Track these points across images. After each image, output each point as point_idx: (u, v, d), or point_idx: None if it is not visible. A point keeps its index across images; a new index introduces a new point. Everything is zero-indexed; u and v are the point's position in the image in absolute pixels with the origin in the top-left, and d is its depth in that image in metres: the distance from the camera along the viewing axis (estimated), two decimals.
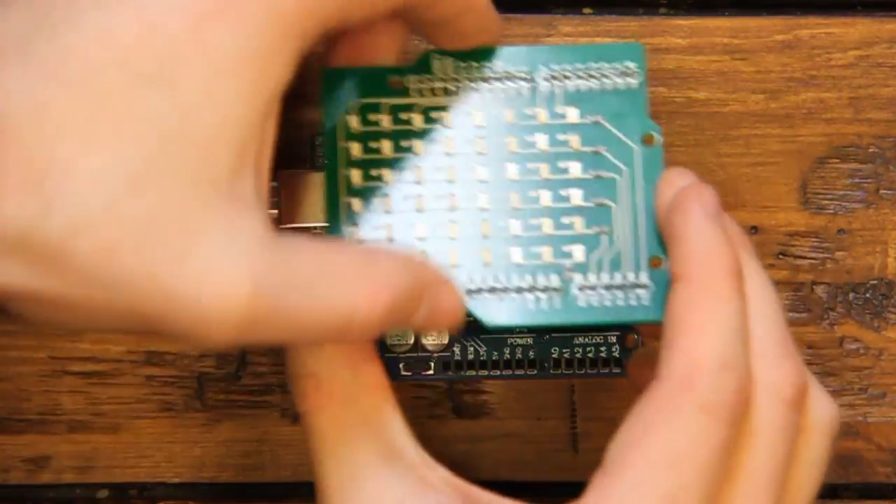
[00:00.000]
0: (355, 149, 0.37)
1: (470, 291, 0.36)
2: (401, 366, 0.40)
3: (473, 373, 0.40)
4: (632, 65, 0.36)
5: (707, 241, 0.33)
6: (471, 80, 0.37)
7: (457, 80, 0.37)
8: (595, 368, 0.39)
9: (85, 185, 0.29)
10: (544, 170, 0.37)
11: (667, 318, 0.33)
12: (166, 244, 0.30)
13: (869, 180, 0.40)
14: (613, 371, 0.39)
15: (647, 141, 0.36)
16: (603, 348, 0.39)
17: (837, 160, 0.40)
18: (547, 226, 0.37)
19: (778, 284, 0.37)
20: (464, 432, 0.40)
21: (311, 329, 0.31)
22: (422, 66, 0.37)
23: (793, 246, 0.40)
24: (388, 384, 0.35)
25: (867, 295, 0.40)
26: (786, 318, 0.34)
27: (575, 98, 0.37)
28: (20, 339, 0.40)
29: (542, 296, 0.36)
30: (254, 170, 0.31)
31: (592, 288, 0.36)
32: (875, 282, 0.40)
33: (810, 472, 0.34)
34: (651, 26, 0.40)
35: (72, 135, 0.29)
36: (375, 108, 0.37)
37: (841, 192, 0.40)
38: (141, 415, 0.40)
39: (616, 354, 0.39)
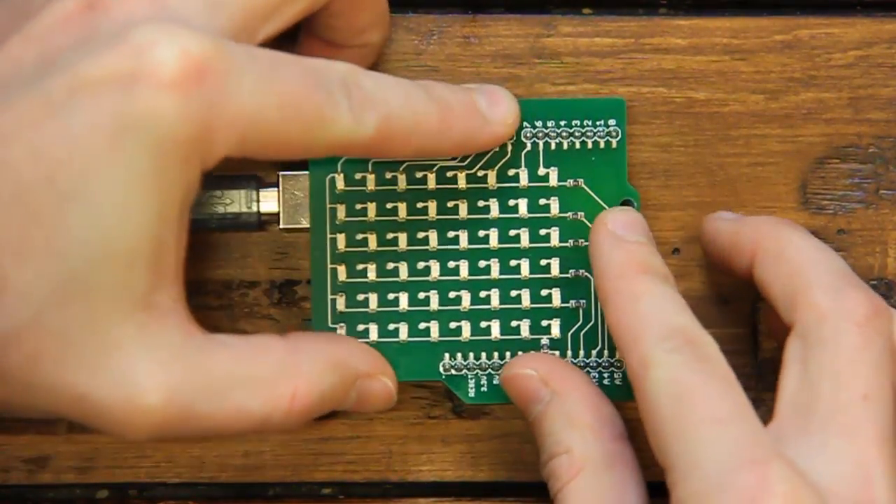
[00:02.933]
0: (340, 211, 0.38)
1: (448, 369, 0.38)
2: None
3: None
4: (613, 122, 0.38)
5: (606, 256, 0.36)
6: None
7: None
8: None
9: (15, 298, 0.32)
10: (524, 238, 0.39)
11: (610, 330, 0.35)
12: (84, 355, 0.32)
13: (869, 180, 0.40)
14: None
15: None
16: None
17: (837, 160, 0.40)
18: (525, 298, 0.38)
19: None
20: (464, 432, 0.40)
21: (227, 428, 0.34)
22: None
23: None
24: (636, 462, 0.36)
25: None
26: (840, 261, 0.36)
27: (556, 158, 0.38)
28: None
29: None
30: (171, 280, 0.33)
31: None
32: (875, 282, 0.40)
33: None
34: (651, 26, 0.40)
35: (5, 250, 0.31)
36: (362, 166, 0.38)
37: (841, 193, 0.40)
38: None
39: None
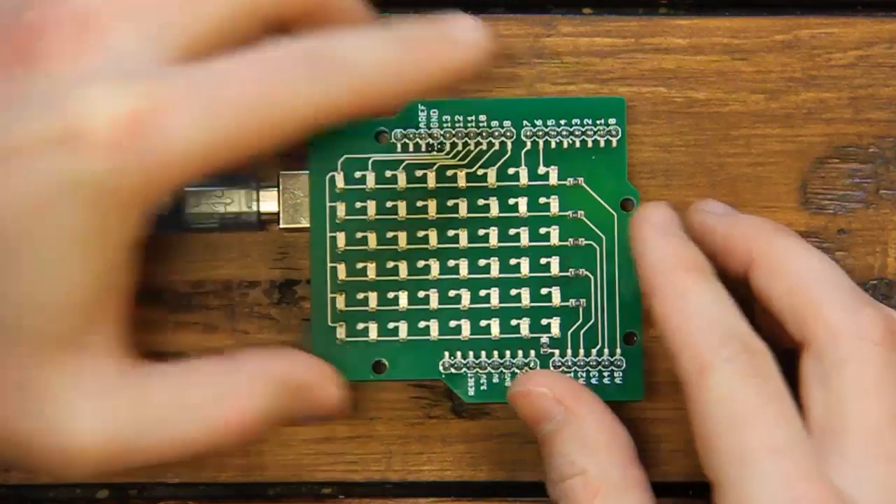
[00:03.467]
0: (340, 210, 0.38)
1: (448, 367, 0.38)
2: None
3: None
4: (613, 121, 0.38)
5: (654, 251, 0.35)
6: (455, 136, 0.38)
7: (442, 133, 0.38)
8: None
9: None
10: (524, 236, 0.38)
11: (658, 327, 0.35)
12: (17, 402, 0.32)
13: (869, 180, 0.40)
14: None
15: (625, 207, 0.39)
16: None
17: (837, 160, 0.40)
18: (525, 297, 0.38)
19: None
20: (464, 432, 0.40)
21: (173, 456, 0.34)
22: (407, 118, 0.38)
23: None
24: (648, 484, 0.36)
25: None
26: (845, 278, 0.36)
27: (556, 157, 0.38)
28: None
29: (519, 373, 0.38)
30: (105, 319, 0.33)
31: (568, 366, 0.38)
32: (875, 282, 0.40)
33: None
34: (651, 26, 0.40)
35: None
36: (362, 165, 0.38)
37: (841, 192, 0.40)
38: None
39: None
